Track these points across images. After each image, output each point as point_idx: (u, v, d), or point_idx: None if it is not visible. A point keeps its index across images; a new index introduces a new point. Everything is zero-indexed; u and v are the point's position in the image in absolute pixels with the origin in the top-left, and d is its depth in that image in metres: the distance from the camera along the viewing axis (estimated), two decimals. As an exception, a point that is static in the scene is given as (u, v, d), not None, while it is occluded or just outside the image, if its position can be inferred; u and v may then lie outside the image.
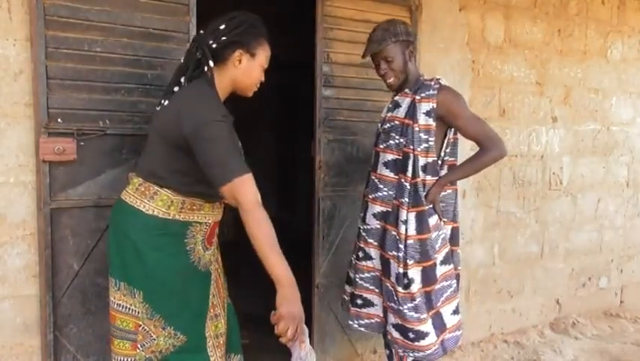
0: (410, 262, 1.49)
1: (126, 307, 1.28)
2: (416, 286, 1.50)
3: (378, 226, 1.58)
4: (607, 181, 2.83)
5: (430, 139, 1.50)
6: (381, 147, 1.59)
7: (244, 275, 1.55)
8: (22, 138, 1.48)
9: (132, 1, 1.56)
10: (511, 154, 2.49)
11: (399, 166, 1.53)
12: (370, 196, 1.60)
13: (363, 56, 1.58)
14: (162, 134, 1.24)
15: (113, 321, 1.30)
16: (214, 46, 1.26)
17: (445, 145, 1.56)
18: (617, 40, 2.75)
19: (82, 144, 1.50)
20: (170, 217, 1.26)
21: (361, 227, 1.64)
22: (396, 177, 1.53)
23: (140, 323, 1.26)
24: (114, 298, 1.29)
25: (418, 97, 1.51)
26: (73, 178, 1.51)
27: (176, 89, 1.30)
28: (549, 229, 2.65)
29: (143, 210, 1.25)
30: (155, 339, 1.26)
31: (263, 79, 1.37)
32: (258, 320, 1.56)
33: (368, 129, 2.08)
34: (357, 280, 1.64)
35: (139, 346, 1.27)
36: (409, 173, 1.50)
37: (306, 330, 1.12)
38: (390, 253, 1.53)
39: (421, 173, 1.50)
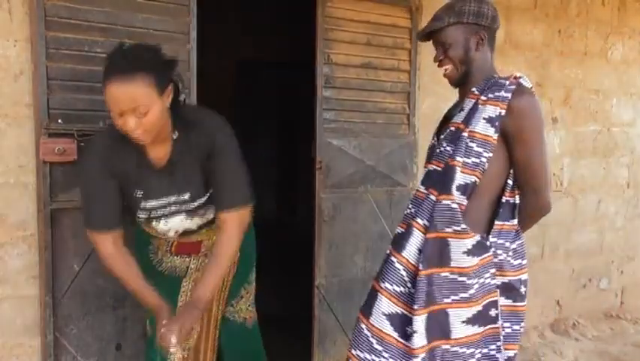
0: (415, 306, 1.10)
1: None
2: (420, 341, 1.09)
3: (388, 252, 1.21)
4: (607, 182, 2.83)
5: (485, 154, 1.09)
6: (434, 161, 1.19)
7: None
8: (23, 138, 1.48)
9: (132, 2, 1.56)
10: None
11: (433, 179, 1.16)
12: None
13: (418, 37, 1.26)
14: None
15: None
16: None
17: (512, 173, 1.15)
18: (617, 41, 2.75)
19: (82, 144, 1.50)
20: (138, 224, 1.33)
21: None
22: (426, 191, 1.16)
23: None
24: None
25: (483, 97, 1.12)
26: (74, 179, 1.51)
27: None
28: (549, 229, 2.65)
29: None
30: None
31: (127, 127, 1.08)
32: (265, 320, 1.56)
33: (368, 130, 2.08)
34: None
35: None
36: (439, 187, 1.12)
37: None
38: (383, 286, 1.16)
39: (455, 191, 1.10)
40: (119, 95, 1.05)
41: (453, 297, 1.11)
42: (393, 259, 1.16)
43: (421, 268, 1.10)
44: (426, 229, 1.12)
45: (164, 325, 1.12)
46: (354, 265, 2.10)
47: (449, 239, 1.10)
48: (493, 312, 1.14)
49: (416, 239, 1.13)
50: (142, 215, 1.24)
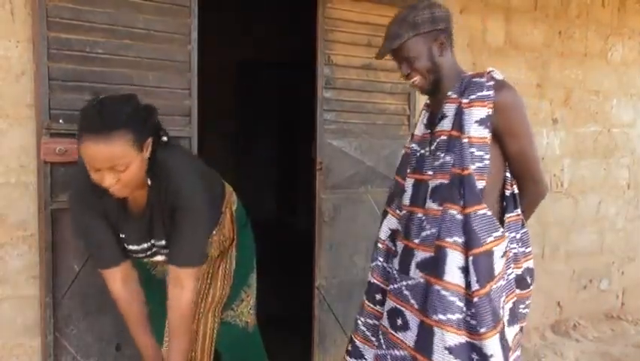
0: (483, 329, 1.04)
1: None
2: None
3: (422, 280, 1.12)
4: (608, 183, 2.82)
5: (486, 157, 1.08)
6: (429, 173, 1.15)
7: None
8: (24, 138, 1.48)
9: (134, 3, 1.56)
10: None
11: (444, 193, 1.10)
12: (416, 241, 1.16)
13: (378, 57, 1.22)
14: None
15: None
16: None
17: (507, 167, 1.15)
18: (617, 42, 2.75)
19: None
20: None
21: (403, 283, 1.17)
22: (440, 207, 1.11)
23: None
24: None
25: (465, 100, 1.11)
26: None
27: None
28: (550, 230, 2.65)
29: None
30: None
31: (104, 183, 1.06)
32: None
33: (368, 131, 2.08)
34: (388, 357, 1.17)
35: None
36: (460, 201, 1.07)
37: None
38: (437, 319, 1.07)
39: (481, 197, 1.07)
40: (95, 154, 1.01)
41: (501, 305, 1.08)
42: (436, 287, 1.08)
43: (477, 287, 1.04)
44: (465, 247, 1.06)
45: None
46: (354, 266, 2.10)
47: (493, 248, 1.07)
48: (516, 305, 1.15)
49: (454, 259, 1.07)
50: (129, 254, 1.26)
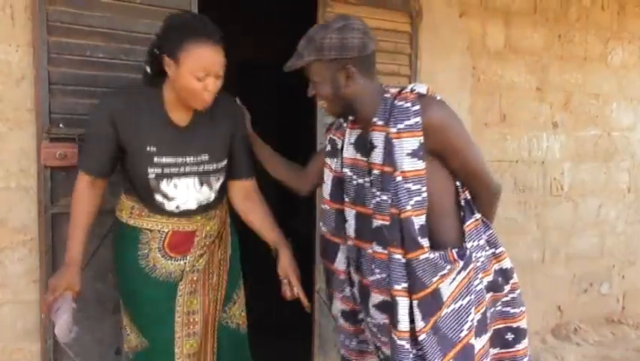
0: (436, 359, 1.04)
1: None
2: None
3: (387, 321, 1.11)
4: (608, 187, 2.82)
5: (423, 189, 1.01)
6: (371, 208, 1.08)
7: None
8: (24, 142, 1.48)
9: (134, 7, 1.57)
10: (511, 160, 2.49)
11: (387, 235, 1.04)
12: (370, 279, 1.12)
13: (285, 69, 1.12)
14: None
15: None
16: (156, 52, 1.23)
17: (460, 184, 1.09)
18: (617, 46, 2.76)
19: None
20: (124, 221, 1.33)
21: (368, 320, 1.17)
22: (385, 251, 1.05)
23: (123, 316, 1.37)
24: None
25: (393, 129, 1.01)
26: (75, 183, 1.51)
27: None
28: (550, 234, 2.65)
29: (116, 213, 1.37)
30: (129, 334, 1.35)
31: (210, 88, 1.18)
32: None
33: (369, 134, 2.08)
34: None
35: (124, 343, 1.38)
36: (402, 243, 1.02)
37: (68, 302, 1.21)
38: None
39: (420, 239, 1.01)
40: (217, 58, 1.17)
41: (467, 325, 1.04)
42: (394, 337, 1.06)
43: (423, 325, 1.02)
44: (409, 291, 1.03)
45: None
46: (354, 270, 2.10)
47: (439, 285, 1.03)
48: (486, 313, 1.12)
49: (403, 306, 1.03)
50: (154, 171, 1.24)
